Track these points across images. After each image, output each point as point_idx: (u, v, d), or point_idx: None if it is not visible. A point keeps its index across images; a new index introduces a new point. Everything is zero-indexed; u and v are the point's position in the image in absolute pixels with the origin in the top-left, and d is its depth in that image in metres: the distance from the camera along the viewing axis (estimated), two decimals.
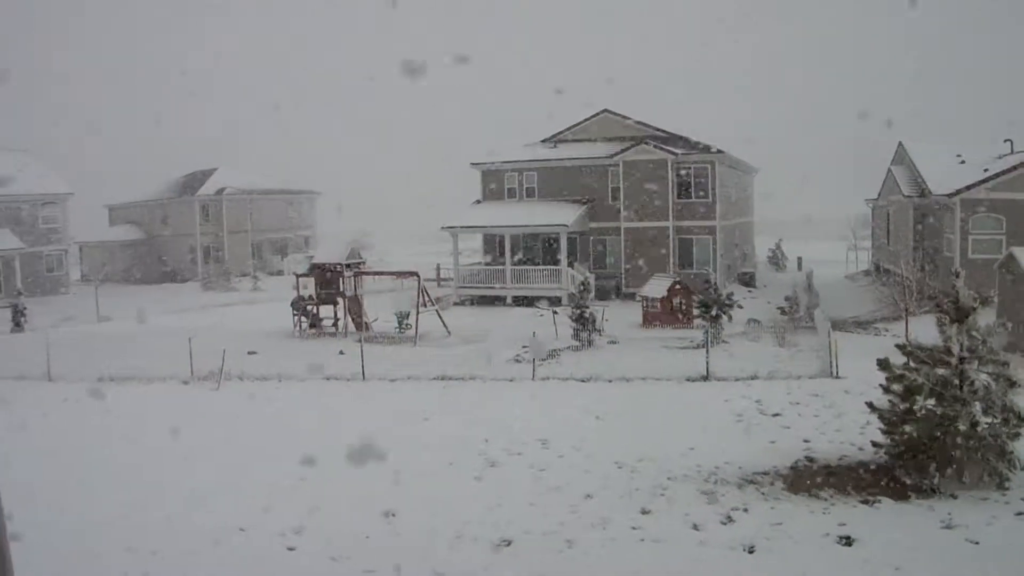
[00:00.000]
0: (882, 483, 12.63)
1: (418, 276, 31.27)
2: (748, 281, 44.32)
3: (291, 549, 11.10)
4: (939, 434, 12.23)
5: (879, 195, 46.30)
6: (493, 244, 43.29)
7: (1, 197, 51.62)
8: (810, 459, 14.23)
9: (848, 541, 10.63)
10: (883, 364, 13.11)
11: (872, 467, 13.28)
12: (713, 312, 27.21)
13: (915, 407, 12.50)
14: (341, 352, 26.80)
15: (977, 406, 12.03)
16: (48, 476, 14.60)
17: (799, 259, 54.90)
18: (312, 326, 32.20)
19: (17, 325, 35.67)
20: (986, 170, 32.83)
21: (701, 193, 39.75)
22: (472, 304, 39.50)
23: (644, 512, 12.02)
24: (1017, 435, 12.32)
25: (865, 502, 12.03)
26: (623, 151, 39.90)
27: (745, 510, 11.93)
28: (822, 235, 69.59)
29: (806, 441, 15.33)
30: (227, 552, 11.13)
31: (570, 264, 39.05)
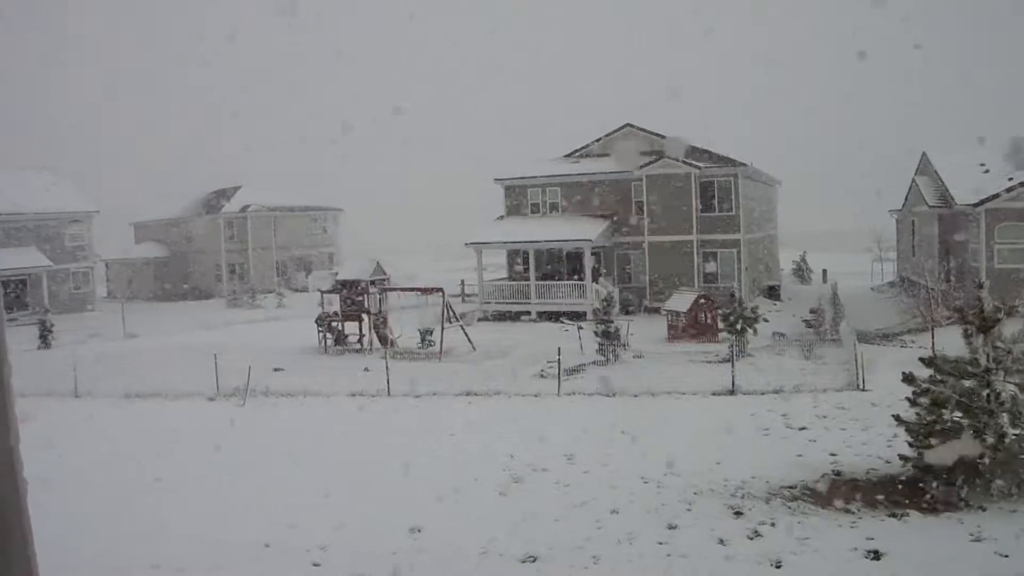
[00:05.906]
0: (910, 496, 12.51)
1: (443, 292, 31.33)
2: (773, 294, 44.08)
3: (316, 565, 11.14)
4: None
5: (903, 206, 45.97)
6: (517, 259, 43.34)
7: (28, 215, 52.26)
8: (837, 473, 14.13)
9: (876, 555, 10.53)
10: (908, 378, 13.02)
11: (900, 480, 13.17)
12: (738, 326, 27.12)
13: (942, 419, 12.40)
14: (366, 368, 26.87)
15: (1004, 417, 11.93)
16: (74, 493, 14.71)
17: (824, 271, 54.54)
18: (337, 343, 32.32)
19: (44, 342, 36.05)
20: (1010, 179, 32.50)
21: (725, 206, 39.59)
22: (497, 319, 39.53)
23: (670, 527, 11.96)
24: None
25: (893, 516, 11.92)
26: (646, 165, 39.82)
27: (772, 524, 11.86)
28: (847, 247, 69.10)
29: (833, 455, 15.22)
30: (253, 569, 11.18)
31: (594, 279, 38.98)
